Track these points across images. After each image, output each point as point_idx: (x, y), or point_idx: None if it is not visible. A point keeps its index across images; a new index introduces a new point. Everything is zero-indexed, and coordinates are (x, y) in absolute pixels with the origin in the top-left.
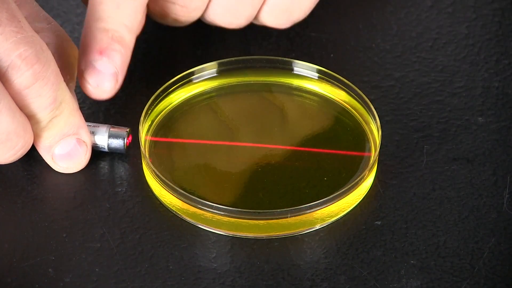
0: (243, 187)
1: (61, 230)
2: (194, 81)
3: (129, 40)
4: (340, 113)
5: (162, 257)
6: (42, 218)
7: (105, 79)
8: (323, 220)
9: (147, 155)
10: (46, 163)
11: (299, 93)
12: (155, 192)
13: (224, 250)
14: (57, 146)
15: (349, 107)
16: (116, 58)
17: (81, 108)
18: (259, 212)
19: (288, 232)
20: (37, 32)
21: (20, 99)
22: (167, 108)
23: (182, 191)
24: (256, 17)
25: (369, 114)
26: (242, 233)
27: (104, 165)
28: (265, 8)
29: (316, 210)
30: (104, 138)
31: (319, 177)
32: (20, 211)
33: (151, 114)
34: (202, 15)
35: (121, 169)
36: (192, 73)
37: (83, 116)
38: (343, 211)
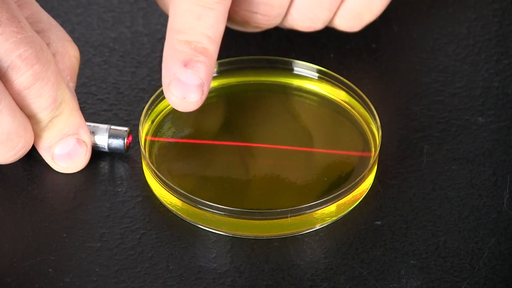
0: (243, 187)
1: (61, 230)
2: None
3: (213, 51)
4: (340, 113)
5: (162, 257)
6: (42, 218)
7: (191, 91)
8: (323, 220)
9: (147, 155)
10: (46, 163)
11: (299, 93)
12: (155, 192)
13: (224, 250)
14: (57, 146)
15: (349, 107)
16: (200, 69)
17: (81, 108)
18: (259, 212)
19: (288, 232)
20: (38, 32)
21: (21, 99)
22: (167, 108)
23: (182, 191)
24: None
25: (369, 114)
26: (242, 233)
27: (104, 165)
28: (339, 12)
29: (316, 210)
30: (104, 138)
31: (319, 177)
32: (20, 211)
33: (151, 114)
34: (281, 21)
35: (121, 169)
36: None
37: (83, 116)
38: (343, 211)
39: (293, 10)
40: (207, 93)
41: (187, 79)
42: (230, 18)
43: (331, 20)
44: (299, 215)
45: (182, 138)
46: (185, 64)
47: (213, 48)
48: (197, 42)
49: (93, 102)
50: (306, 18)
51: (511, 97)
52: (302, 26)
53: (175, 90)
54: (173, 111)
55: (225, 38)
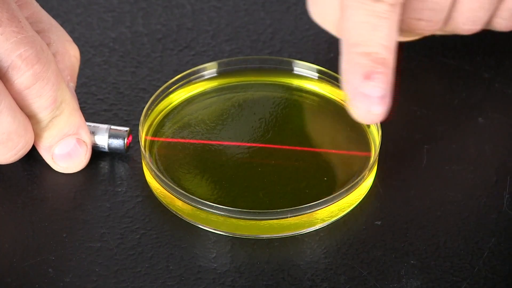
0: (243, 187)
1: (61, 230)
2: (194, 81)
3: (391, 60)
4: (340, 113)
5: (162, 257)
6: (42, 218)
7: (374, 103)
8: (323, 220)
9: (147, 155)
10: (46, 163)
11: (299, 93)
12: (155, 192)
13: (224, 250)
14: (57, 146)
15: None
16: (382, 80)
17: (82, 108)
18: (259, 212)
19: (288, 232)
20: (38, 32)
21: (21, 99)
22: (167, 108)
23: (182, 191)
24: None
25: None
26: (242, 233)
27: (104, 165)
28: (498, 13)
29: (316, 210)
30: (104, 138)
31: (319, 177)
32: (20, 211)
33: (151, 114)
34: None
35: (121, 169)
36: (192, 73)
37: (84, 116)
38: (343, 211)
39: (455, 14)
40: (390, 103)
41: (369, 92)
42: None
43: (490, 21)
44: (299, 215)
45: (182, 138)
46: (366, 77)
47: (391, 57)
48: (376, 53)
49: (93, 102)
50: (467, 21)
51: (511, 97)
52: (463, 29)
53: (359, 104)
54: (173, 111)
55: (225, 38)
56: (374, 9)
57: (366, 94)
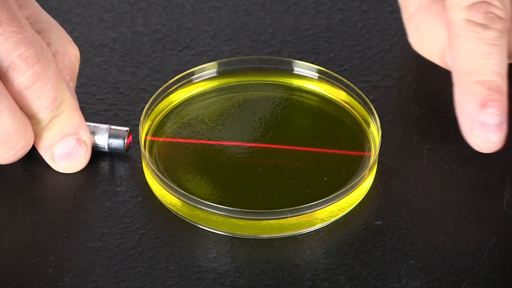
0: (243, 187)
1: (61, 230)
2: (194, 81)
3: (504, 87)
4: (340, 113)
5: (162, 257)
6: (42, 218)
7: (491, 131)
8: (323, 220)
9: (147, 155)
10: (46, 163)
11: (299, 93)
12: (155, 192)
13: (224, 250)
14: (57, 146)
15: (349, 107)
16: (499, 107)
17: (81, 108)
18: (259, 212)
19: (288, 232)
20: (38, 32)
21: (21, 99)
22: (167, 108)
23: (182, 191)
24: None
25: (369, 114)
26: (242, 233)
27: (104, 165)
28: None
29: (316, 210)
30: (104, 138)
31: (319, 177)
32: (20, 211)
33: (151, 114)
34: None
35: (121, 169)
36: (192, 73)
37: (84, 116)
38: (343, 211)
39: None
40: (506, 130)
41: (487, 120)
42: None
43: None
44: (299, 215)
45: (182, 138)
46: (483, 105)
47: (504, 84)
48: (490, 81)
49: (93, 102)
50: None
51: (511, 97)
52: None
53: (478, 133)
54: (173, 111)
55: (225, 38)
56: (485, 36)
57: (484, 123)
